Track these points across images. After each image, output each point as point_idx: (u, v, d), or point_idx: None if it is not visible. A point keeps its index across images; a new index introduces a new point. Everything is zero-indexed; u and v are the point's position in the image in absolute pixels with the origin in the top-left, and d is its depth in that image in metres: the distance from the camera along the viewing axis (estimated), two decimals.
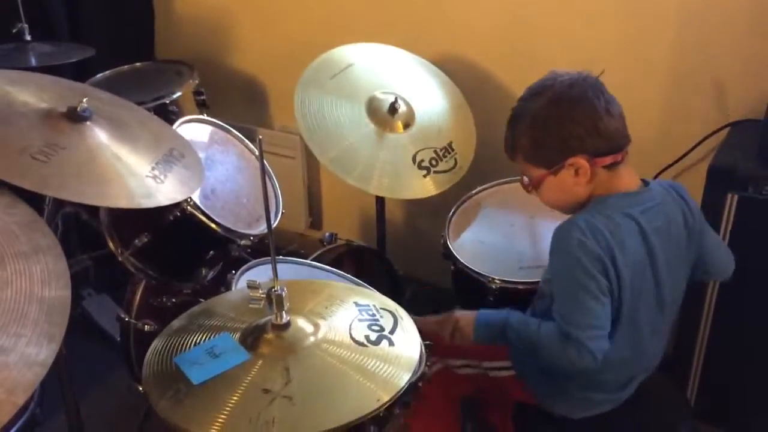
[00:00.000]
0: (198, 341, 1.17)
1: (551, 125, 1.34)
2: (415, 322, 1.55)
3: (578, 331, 1.29)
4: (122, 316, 1.86)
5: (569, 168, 1.35)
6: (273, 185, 1.87)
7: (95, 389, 2.12)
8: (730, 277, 1.53)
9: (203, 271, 1.74)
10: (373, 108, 1.92)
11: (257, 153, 1.16)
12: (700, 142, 1.90)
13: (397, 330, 1.20)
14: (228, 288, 1.56)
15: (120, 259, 1.70)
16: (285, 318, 1.14)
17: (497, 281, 1.73)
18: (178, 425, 1.02)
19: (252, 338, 1.15)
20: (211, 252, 1.73)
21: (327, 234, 1.95)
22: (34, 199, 1.20)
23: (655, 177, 1.96)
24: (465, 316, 1.49)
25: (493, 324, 1.44)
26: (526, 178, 1.44)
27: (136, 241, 1.65)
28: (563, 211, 1.44)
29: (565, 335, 1.30)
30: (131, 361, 1.90)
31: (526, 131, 1.37)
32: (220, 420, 1.01)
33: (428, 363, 1.56)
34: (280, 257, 1.72)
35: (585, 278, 1.28)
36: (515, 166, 2.17)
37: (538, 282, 1.67)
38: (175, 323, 1.24)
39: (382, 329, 1.19)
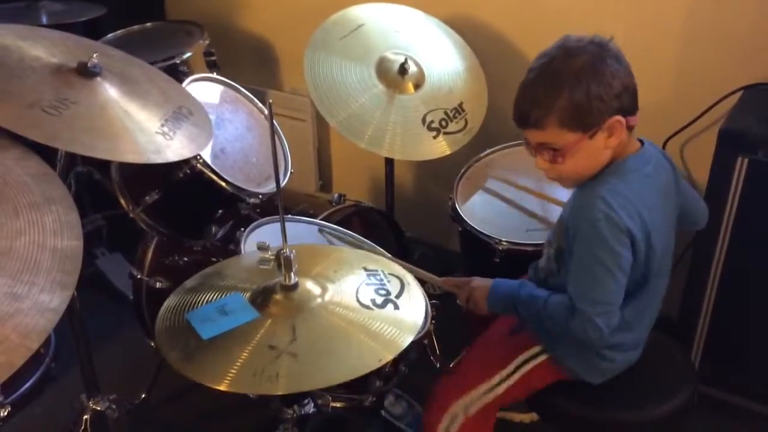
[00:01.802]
0: (209, 300, 1.20)
1: (596, 84, 1.27)
2: (434, 281, 1.58)
3: (588, 306, 1.29)
4: (134, 273, 1.89)
5: (605, 130, 1.30)
6: (282, 145, 1.88)
7: (108, 345, 2.16)
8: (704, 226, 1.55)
9: (213, 229, 1.75)
10: (383, 69, 1.91)
11: (267, 115, 1.17)
12: (712, 106, 1.89)
13: (404, 295, 1.22)
14: (237, 245, 1.58)
15: (131, 215, 1.72)
16: (293, 279, 1.17)
17: (504, 243, 1.74)
18: (187, 376, 1.05)
19: (261, 298, 1.18)
20: (221, 210, 1.74)
21: (336, 195, 1.96)
22: (46, 155, 1.22)
23: (667, 141, 1.95)
24: (481, 287, 1.49)
25: (506, 296, 1.45)
26: (546, 153, 1.34)
27: (147, 198, 1.67)
28: (578, 182, 1.38)
29: (573, 309, 1.31)
30: (143, 318, 1.93)
31: (567, 93, 1.27)
32: (227, 374, 1.04)
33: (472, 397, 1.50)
34: (289, 216, 1.73)
35: (604, 253, 1.28)
36: None
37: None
38: (188, 283, 1.27)
39: (389, 293, 1.21)
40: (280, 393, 1.03)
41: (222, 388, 1.02)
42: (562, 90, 1.28)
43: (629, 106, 1.31)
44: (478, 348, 1.57)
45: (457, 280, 1.56)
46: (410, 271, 1.40)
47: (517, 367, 1.50)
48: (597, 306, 1.29)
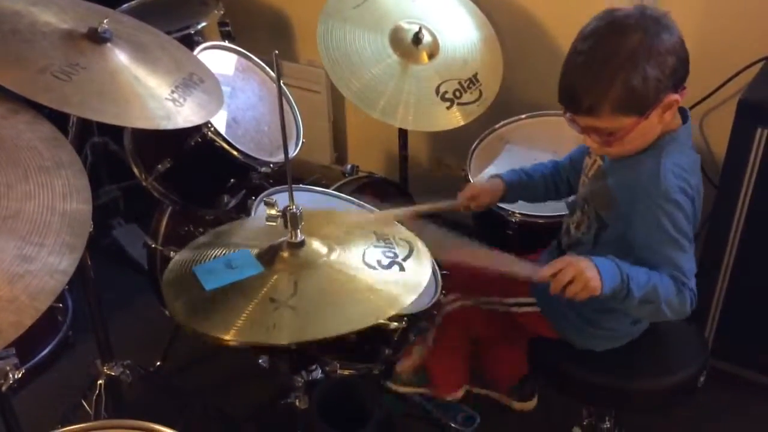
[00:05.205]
0: (217, 255, 1.22)
1: (652, 64, 1.19)
2: (516, 263, 1.33)
3: (690, 279, 1.26)
4: (149, 242, 1.90)
5: (660, 108, 1.23)
6: (293, 113, 1.87)
7: (124, 314, 2.19)
8: None
9: (225, 199, 1.76)
10: (397, 38, 1.89)
11: (275, 74, 1.15)
12: (732, 77, 1.84)
13: (411, 258, 1.22)
14: (248, 214, 1.58)
15: (144, 184, 1.73)
16: (299, 237, 1.18)
17: (518, 215, 1.73)
18: (186, 325, 1.08)
19: (268, 255, 1.19)
20: (232, 179, 1.74)
21: (349, 166, 1.96)
22: (57, 122, 1.23)
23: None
24: (585, 262, 1.23)
25: (611, 268, 1.24)
26: (597, 135, 1.25)
27: (159, 166, 1.67)
28: (625, 155, 1.31)
29: (681, 285, 1.25)
30: (158, 286, 1.95)
31: (622, 78, 1.19)
32: (229, 325, 1.07)
33: (450, 298, 1.57)
34: (300, 185, 1.73)
35: (686, 224, 1.26)
36: (541, 100, 2.12)
37: (558, 216, 1.67)
38: (200, 239, 1.30)
39: (396, 256, 1.21)
40: (274, 342, 1.06)
41: (227, 337, 1.05)
42: (616, 76, 1.19)
43: (683, 78, 1.25)
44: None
45: (550, 266, 1.25)
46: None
47: (505, 305, 1.53)
48: (693, 278, 1.27)
